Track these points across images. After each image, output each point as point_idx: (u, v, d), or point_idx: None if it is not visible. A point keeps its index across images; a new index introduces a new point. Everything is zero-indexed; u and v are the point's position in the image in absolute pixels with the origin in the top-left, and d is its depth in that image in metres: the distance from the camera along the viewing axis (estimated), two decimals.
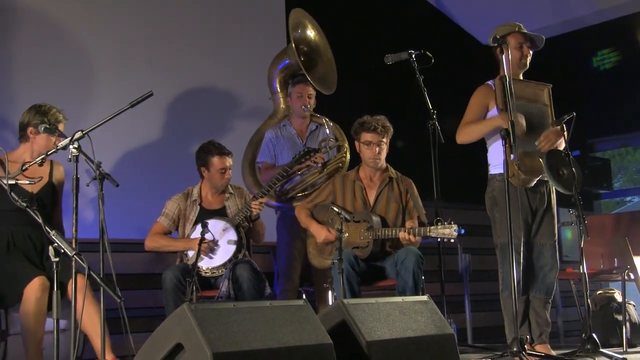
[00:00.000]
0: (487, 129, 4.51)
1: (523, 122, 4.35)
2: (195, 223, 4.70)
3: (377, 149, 4.72)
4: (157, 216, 4.81)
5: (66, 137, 3.49)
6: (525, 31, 4.57)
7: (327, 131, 5.36)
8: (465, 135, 4.55)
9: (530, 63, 4.59)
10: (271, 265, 5.59)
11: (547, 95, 4.62)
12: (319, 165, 5.18)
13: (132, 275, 5.32)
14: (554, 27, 7.78)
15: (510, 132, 4.07)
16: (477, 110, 4.55)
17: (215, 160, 4.78)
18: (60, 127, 4.14)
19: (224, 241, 4.66)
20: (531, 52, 4.58)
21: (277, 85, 5.72)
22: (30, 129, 4.17)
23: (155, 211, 4.87)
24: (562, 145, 4.48)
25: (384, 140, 4.74)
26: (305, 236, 5.06)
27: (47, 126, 3.78)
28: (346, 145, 5.35)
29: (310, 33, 5.62)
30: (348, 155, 5.35)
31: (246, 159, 5.56)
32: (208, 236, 4.44)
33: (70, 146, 3.38)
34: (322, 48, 5.67)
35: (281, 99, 5.71)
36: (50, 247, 3.01)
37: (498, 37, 4.28)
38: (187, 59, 6.14)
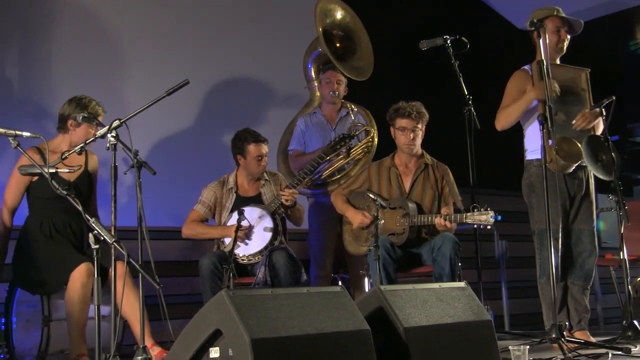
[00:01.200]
0: (524, 106, 4.43)
1: (556, 86, 4.28)
2: (232, 211, 4.73)
3: (412, 134, 4.70)
4: (193, 204, 4.85)
5: (104, 126, 3.53)
6: (563, 15, 4.51)
7: (353, 117, 5.36)
8: (504, 119, 4.50)
9: (568, 47, 4.53)
10: (307, 251, 5.61)
11: (585, 80, 4.55)
12: (344, 150, 5.19)
13: (170, 263, 5.38)
14: (593, 10, 7.65)
15: (548, 117, 4.02)
16: (515, 95, 4.50)
17: (252, 147, 4.80)
18: (100, 119, 4.19)
19: (260, 228, 4.67)
20: (568, 37, 4.52)
21: (313, 74, 5.73)
22: (70, 121, 4.21)
23: (192, 199, 4.90)
24: (599, 128, 4.42)
25: (419, 126, 4.72)
26: (336, 222, 5.08)
27: (86, 115, 3.81)
28: (374, 130, 5.35)
29: (343, 17, 5.58)
30: (376, 140, 5.35)
31: (280, 148, 5.60)
32: (244, 223, 4.46)
33: (108, 135, 3.42)
34: (357, 30, 5.63)
35: (317, 87, 5.71)
36: (90, 235, 3.06)
37: (535, 20, 4.22)
38: (222, 47, 6.16)
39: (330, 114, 5.51)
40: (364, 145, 5.30)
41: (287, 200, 4.72)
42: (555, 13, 4.49)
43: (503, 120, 4.51)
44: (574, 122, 4.36)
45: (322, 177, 5.26)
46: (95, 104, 4.22)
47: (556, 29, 4.47)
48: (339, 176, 5.26)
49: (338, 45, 5.42)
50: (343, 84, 5.46)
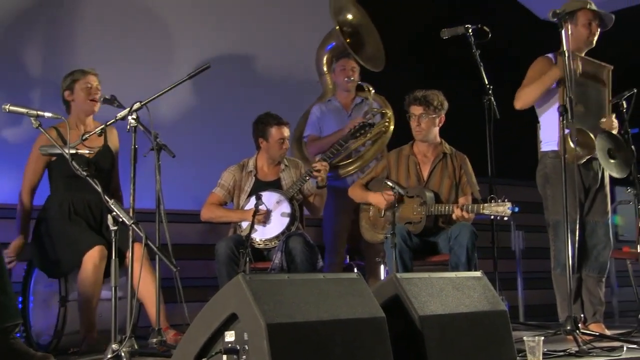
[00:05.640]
0: (544, 85, 4.39)
1: (579, 65, 4.25)
2: (250, 194, 4.74)
3: (418, 120, 4.68)
4: (212, 187, 4.86)
5: (124, 108, 3.55)
6: (595, 8, 4.46)
7: (371, 102, 5.37)
8: (525, 97, 4.45)
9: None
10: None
11: (607, 76, 4.52)
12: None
13: (187, 246, 5.40)
14: (617, 1, 7.56)
15: (569, 108, 3.99)
16: (536, 78, 4.46)
17: (274, 130, 4.81)
18: (92, 79, 4.24)
19: (278, 213, 4.69)
20: (599, 31, 4.48)
21: (325, 67, 5.80)
22: (66, 92, 4.26)
23: (211, 182, 4.92)
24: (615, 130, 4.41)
25: (428, 112, 4.67)
26: (350, 209, 5.08)
27: (107, 97, 3.81)
28: (390, 113, 5.36)
29: (354, 15, 5.65)
30: (392, 123, 5.38)
31: (295, 137, 5.61)
32: (262, 208, 4.47)
33: (129, 117, 3.44)
34: (367, 28, 5.68)
35: (328, 80, 5.79)
36: (109, 216, 3.08)
37: (566, 12, 4.15)
38: (244, 31, 6.17)
39: (345, 101, 5.54)
40: (381, 127, 5.31)
41: (319, 172, 4.72)
42: (587, 6, 4.45)
43: (524, 98, 4.46)
44: (603, 120, 4.34)
45: (339, 157, 5.28)
46: (80, 69, 4.30)
47: (588, 22, 4.44)
48: (354, 158, 5.29)
49: (348, 40, 5.49)
50: (357, 72, 5.48)
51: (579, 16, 4.38)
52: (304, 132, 5.54)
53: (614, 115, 4.43)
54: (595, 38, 4.48)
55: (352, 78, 5.44)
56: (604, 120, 4.38)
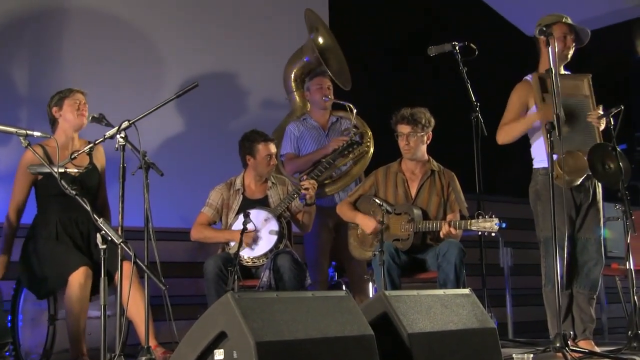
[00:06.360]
0: (526, 126, 4.44)
1: (562, 113, 4.28)
2: (238, 212, 4.74)
3: (407, 139, 4.70)
4: (200, 205, 4.86)
5: (113, 126, 3.55)
6: (571, 22, 4.50)
7: (353, 121, 5.39)
8: (505, 135, 4.49)
9: (575, 55, 4.51)
10: None
11: (587, 86, 4.51)
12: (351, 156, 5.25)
13: (175, 264, 5.39)
14: (601, 19, 7.65)
15: (556, 125, 4.01)
16: (517, 109, 4.48)
17: (261, 147, 4.82)
18: (80, 97, 4.27)
19: (266, 231, 4.68)
20: (574, 45, 4.51)
21: (293, 85, 5.84)
22: (54, 109, 4.26)
23: (198, 200, 4.92)
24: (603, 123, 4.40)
25: (416, 131, 4.69)
26: (332, 226, 5.09)
27: (95, 115, 3.80)
28: (370, 133, 5.41)
29: (321, 36, 5.67)
30: (372, 143, 5.39)
31: None
32: (250, 226, 4.47)
33: (117, 135, 3.45)
34: (333, 46, 5.72)
35: (297, 98, 5.82)
36: (98, 235, 3.07)
37: (544, 27, 4.20)
38: (229, 50, 6.20)
39: (322, 120, 5.55)
40: (363, 147, 5.35)
41: (307, 190, 4.73)
42: (563, 20, 4.49)
43: (504, 136, 4.50)
44: (589, 114, 4.34)
45: (323, 176, 5.23)
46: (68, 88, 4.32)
47: (562, 36, 4.46)
48: (337, 177, 5.33)
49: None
50: (332, 91, 5.50)
51: (554, 30, 4.39)
52: (281, 150, 5.50)
53: (600, 108, 4.41)
54: (571, 52, 4.50)
55: (329, 97, 5.46)
56: (590, 114, 4.36)
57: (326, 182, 5.30)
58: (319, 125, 5.52)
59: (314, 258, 5.37)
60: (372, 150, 5.40)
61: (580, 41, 4.54)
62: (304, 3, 5.86)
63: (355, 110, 5.41)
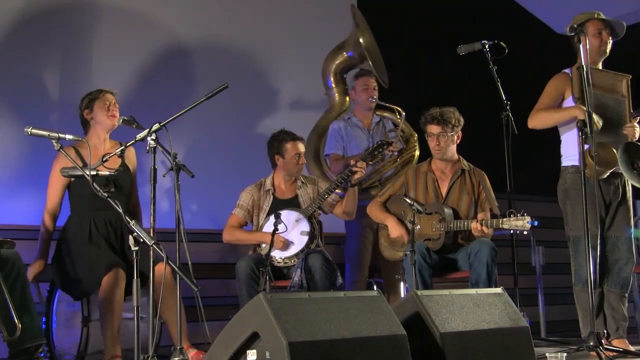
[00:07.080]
0: (562, 118, 4.41)
1: (599, 121, 4.24)
2: (269, 213, 4.76)
3: (437, 140, 4.68)
4: (231, 207, 4.88)
5: (143, 129, 3.57)
6: (604, 17, 4.46)
7: (391, 123, 5.38)
8: (538, 120, 4.45)
9: (612, 51, 4.48)
10: (342, 255, 5.61)
11: (626, 87, 4.49)
12: (395, 153, 5.26)
13: (207, 265, 5.41)
14: (637, 13, 7.53)
15: (588, 123, 3.98)
16: (553, 97, 4.46)
17: (289, 146, 4.83)
18: (110, 97, 4.31)
19: (297, 231, 4.70)
20: (611, 40, 4.47)
21: (332, 80, 5.81)
22: (85, 111, 4.31)
23: (229, 202, 4.94)
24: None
25: (446, 131, 4.69)
26: (374, 226, 5.08)
27: (125, 118, 3.83)
28: (415, 136, 5.38)
29: (365, 32, 5.66)
30: (418, 147, 5.38)
31: (309, 153, 5.57)
32: (281, 227, 4.48)
33: (148, 138, 3.47)
34: (373, 44, 5.71)
35: (336, 94, 5.80)
36: (130, 237, 3.09)
37: (576, 25, 4.18)
38: (259, 52, 6.21)
39: (366, 120, 5.54)
40: (411, 149, 5.40)
41: (359, 170, 4.74)
42: (595, 16, 4.45)
43: (536, 121, 4.45)
44: (626, 126, 4.31)
45: (370, 180, 5.29)
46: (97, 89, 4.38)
47: (597, 32, 4.42)
48: (384, 181, 5.33)
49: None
50: (377, 90, 5.49)
51: (588, 27, 4.37)
52: (325, 149, 5.53)
53: (636, 121, 4.39)
54: (609, 47, 4.46)
55: (375, 97, 5.45)
56: (627, 127, 4.34)
57: (374, 185, 5.30)
58: (363, 125, 5.52)
59: (355, 258, 5.37)
60: (417, 153, 5.42)
61: (616, 35, 4.50)
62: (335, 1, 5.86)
63: (404, 114, 5.40)
